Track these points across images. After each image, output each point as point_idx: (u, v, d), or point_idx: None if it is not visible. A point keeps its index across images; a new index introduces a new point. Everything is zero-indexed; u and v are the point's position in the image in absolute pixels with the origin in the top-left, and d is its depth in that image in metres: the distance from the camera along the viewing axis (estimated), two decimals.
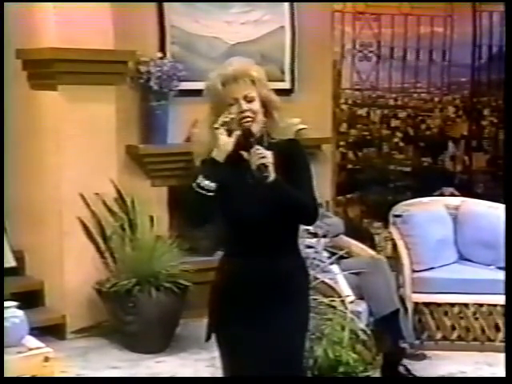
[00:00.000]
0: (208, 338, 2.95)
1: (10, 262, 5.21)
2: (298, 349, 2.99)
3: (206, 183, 2.76)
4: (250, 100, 2.82)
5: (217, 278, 2.95)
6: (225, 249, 2.99)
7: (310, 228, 4.93)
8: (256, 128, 2.83)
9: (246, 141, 2.79)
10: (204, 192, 2.76)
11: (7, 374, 3.28)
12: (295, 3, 6.17)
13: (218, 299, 2.94)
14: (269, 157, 2.74)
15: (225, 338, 2.93)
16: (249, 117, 2.81)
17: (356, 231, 6.14)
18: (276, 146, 2.85)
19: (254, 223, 2.82)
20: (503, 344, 4.28)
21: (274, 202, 2.78)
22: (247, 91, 2.82)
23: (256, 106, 2.83)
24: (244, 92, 2.81)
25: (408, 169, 7.23)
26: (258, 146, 2.76)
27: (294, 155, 2.90)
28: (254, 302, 2.86)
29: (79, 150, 5.15)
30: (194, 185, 2.76)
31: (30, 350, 3.52)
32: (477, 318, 5.04)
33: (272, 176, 2.74)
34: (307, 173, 2.92)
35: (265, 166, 2.73)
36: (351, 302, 4.49)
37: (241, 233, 2.85)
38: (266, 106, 2.86)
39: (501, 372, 3.90)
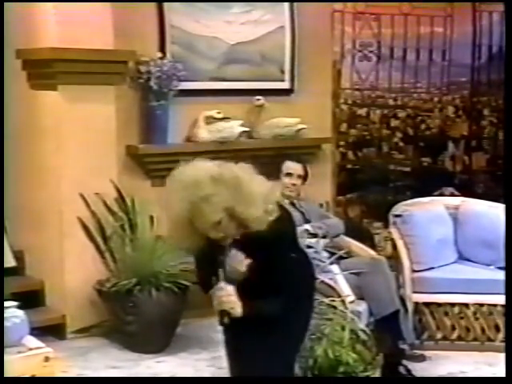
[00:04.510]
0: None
1: (10, 262, 5.21)
2: (297, 348, 3.01)
3: None
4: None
5: None
6: None
7: (310, 228, 4.96)
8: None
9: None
10: None
11: (7, 373, 3.28)
12: (295, 3, 6.17)
13: None
14: (232, 299, 2.79)
15: (228, 338, 2.95)
16: None
17: (356, 231, 6.13)
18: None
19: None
20: (503, 344, 4.28)
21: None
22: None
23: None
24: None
25: (408, 169, 7.22)
26: (222, 284, 2.82)
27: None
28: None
29: (79, 150, 5.15)
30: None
31: (30, 349, 3.52)
32: (477, 318, 5.04)
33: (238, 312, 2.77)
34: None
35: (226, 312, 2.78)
36: (351, 302, 4.49)
37: None
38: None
39: (501, 372, 3.91)
